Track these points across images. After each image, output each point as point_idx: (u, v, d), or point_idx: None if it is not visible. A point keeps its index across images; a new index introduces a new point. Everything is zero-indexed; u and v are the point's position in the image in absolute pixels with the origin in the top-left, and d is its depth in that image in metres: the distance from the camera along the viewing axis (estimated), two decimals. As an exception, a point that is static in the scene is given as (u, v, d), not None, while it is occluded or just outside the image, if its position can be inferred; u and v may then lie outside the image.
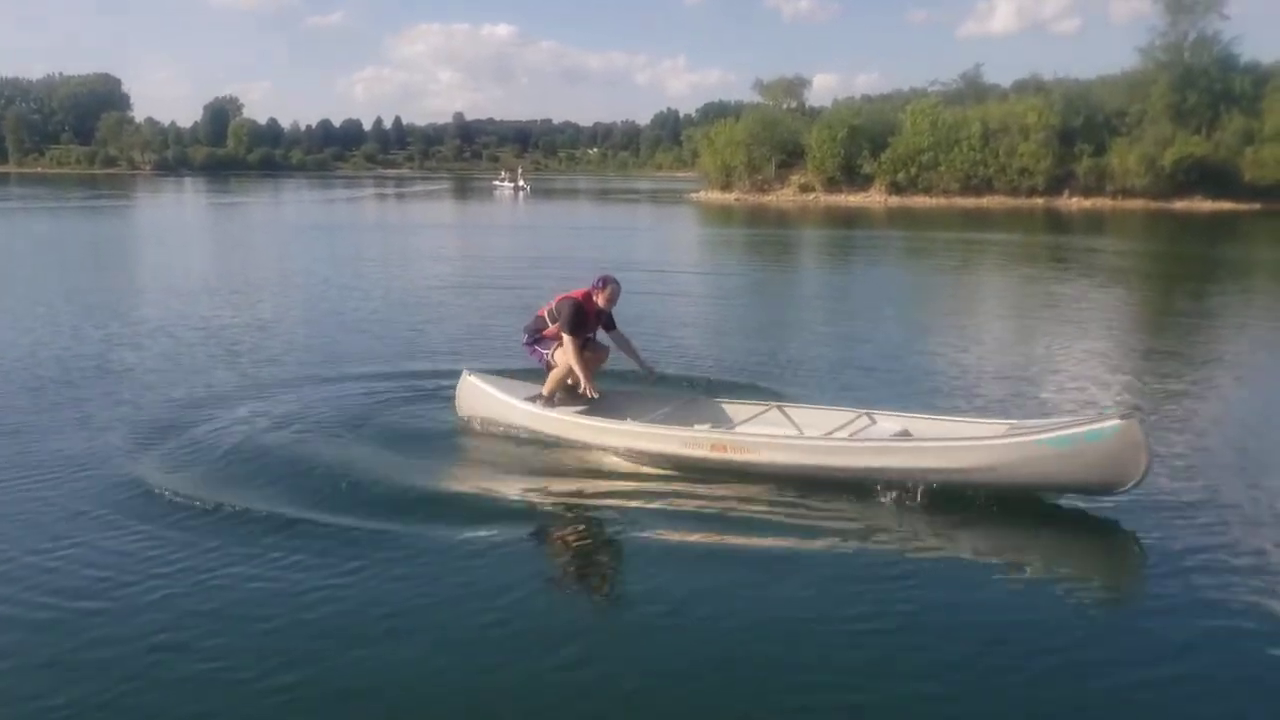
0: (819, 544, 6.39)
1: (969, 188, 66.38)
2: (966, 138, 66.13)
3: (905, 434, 7.77)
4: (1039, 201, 63.25)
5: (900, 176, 68.32)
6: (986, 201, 64.27)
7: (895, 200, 67.13)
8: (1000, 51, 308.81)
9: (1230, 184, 60.00)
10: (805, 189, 72.25)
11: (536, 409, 8.73)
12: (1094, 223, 48.40)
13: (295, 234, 37.83)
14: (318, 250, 30.10)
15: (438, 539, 6.42)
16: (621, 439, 8.12)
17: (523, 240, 38.35)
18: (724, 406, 9.01)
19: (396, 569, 5.97)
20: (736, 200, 70.86)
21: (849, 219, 51.70)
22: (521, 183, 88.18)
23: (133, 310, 16.64)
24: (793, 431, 8.28)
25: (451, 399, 9.52)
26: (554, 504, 7.30)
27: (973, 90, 78.41)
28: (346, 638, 5.13)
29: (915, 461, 7.03)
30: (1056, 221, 49.53)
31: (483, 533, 6.52)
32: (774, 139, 74.05)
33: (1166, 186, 60.81)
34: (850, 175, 70.67)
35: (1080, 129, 64.19)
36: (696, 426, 8.32)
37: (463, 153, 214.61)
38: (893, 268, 28.16)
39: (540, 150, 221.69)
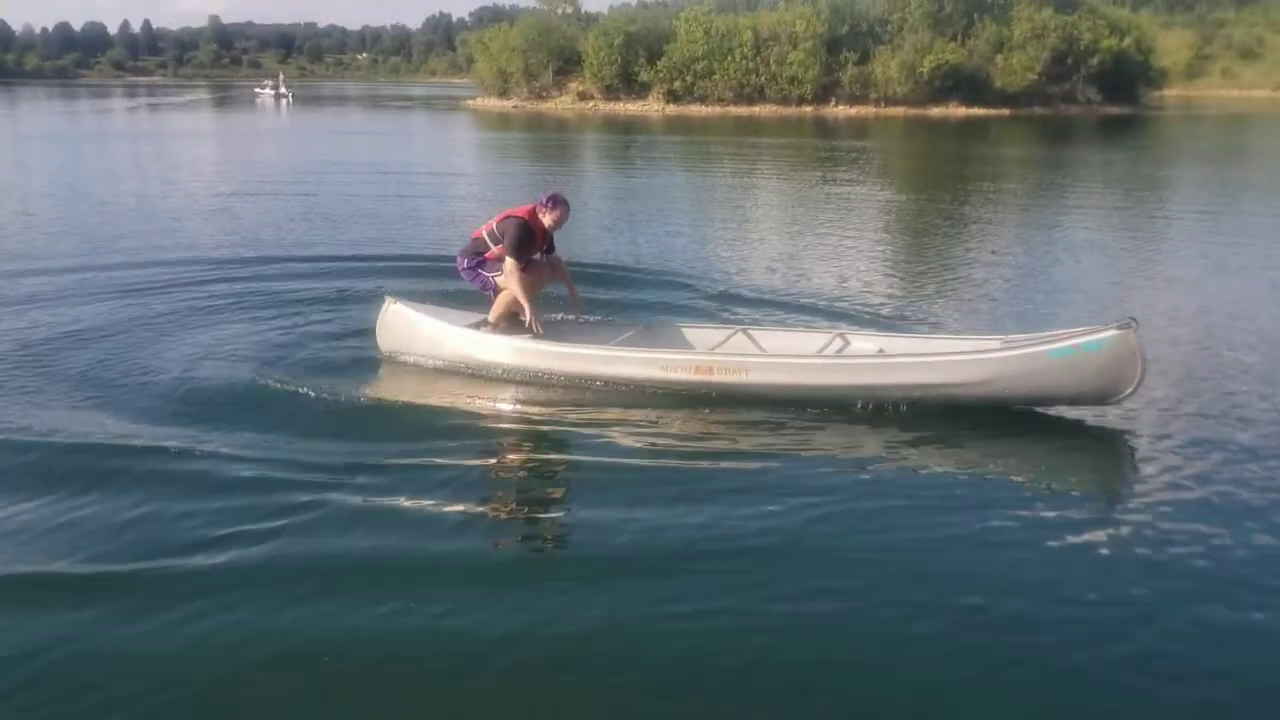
0: (812, 472, 6.04)
1: (742, 96, 67.41)
2: (739, 46, 66.93)
3: (883, 354, 7.44)
4: (808, 110, 65.01)
5: (677, 85, 68.64)
6: (759, 110, 65.54)
7: (673, 108, 67.54)
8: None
9: (983, 90, 63.53)
10: (584, 97, 71.74)
11: (486, 335, 7.71)
12: (859, 129, 50.32)
13: (50, 146, 34.85)
14: (73, 163, 27.90)
15: (375, 506, 5.46)
16: (591, 364, 7.35)
17: (286, 148, 36.64)
18: (685, 331, 8.29)
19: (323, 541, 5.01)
20: (514, 108, 69.74)
21: (628, 126, 51.79)
22: (283, 89, 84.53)
23: None
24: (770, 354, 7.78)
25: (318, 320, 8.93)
26: (508, 445, 6.65)
27: (744, -2, 79.49)
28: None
29: (920, 376, 6.79)
30: (824, 128, 51.18)
31: (427, 487, 5.71)
32: (550, 45, 72.98)
33: (925, 94, 63.64)
34: (628, 83, 70.54)
35: (845, 38, 66.11)
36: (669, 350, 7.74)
37: (221, 59, 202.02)
38: (687, 172, 28.50)
39: (305, 56, 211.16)
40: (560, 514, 5.71)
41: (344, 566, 4.84)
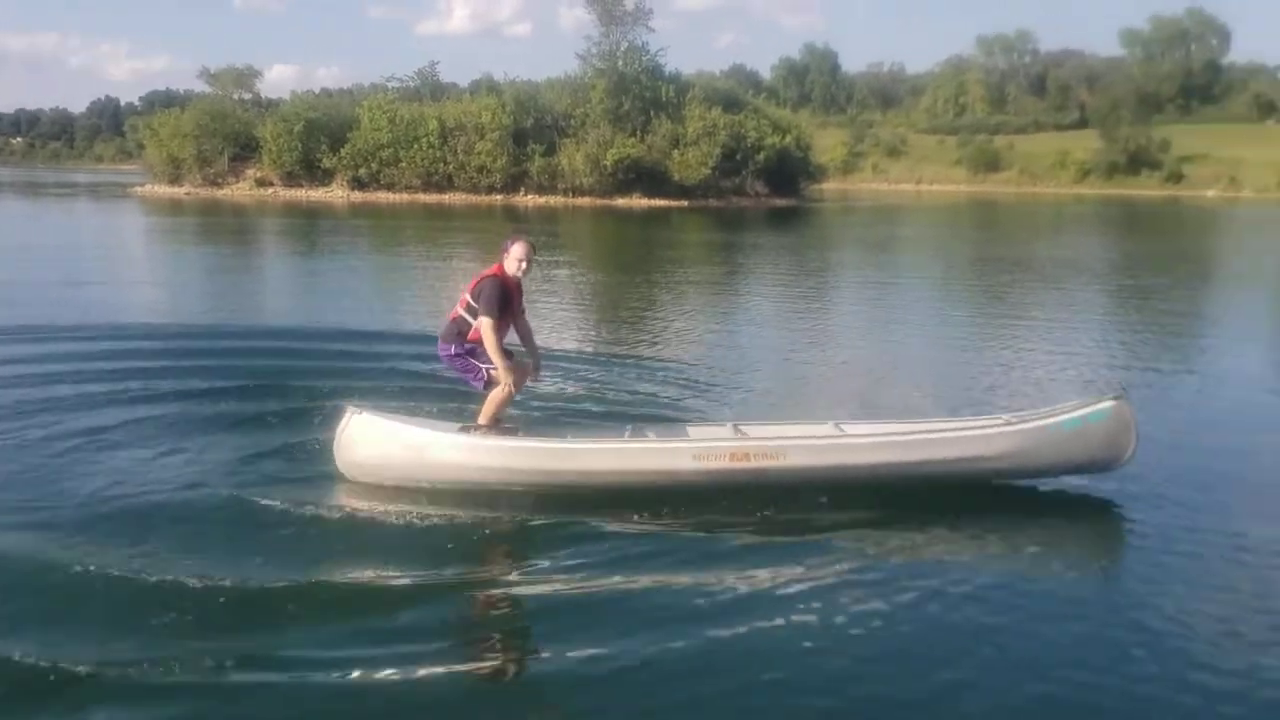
0: (857, 562, 6.02)
1: (431, 184, 67.12)
2: (425, 135, 66.86)
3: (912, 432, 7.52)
4: (498, 199, 65.55)
5: (362, 172, 67.53)
6: (449, 198, 65.39)
7: (358, 196, 66.27)
8: (459, 51, 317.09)
9: (663, 183, 66.37)
10: (263, 183, 69.16)
11: (484, 440, 6.89)
12: (549, 216, 51.23)
13: None
14: None
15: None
16: (613, 460, 6.84)
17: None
18: (679, 429, 7.83)
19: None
20: (187, 194, 66.09)
21: (312, 212, 50.36)
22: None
23: None
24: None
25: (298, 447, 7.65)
26: (514, 572, 5.94)
27: (430, 88, 79.77)
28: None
29: (957, 451, 6.84)
30: (515, 216, 51.72)
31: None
32: (225, 131, 70.14)
33: (610, 185, 65.67)
34: (310, 170, 68.63)
35: (531, 130, 67.53)
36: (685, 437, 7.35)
37: None
38: (380, 254, 28.07)
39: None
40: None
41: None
